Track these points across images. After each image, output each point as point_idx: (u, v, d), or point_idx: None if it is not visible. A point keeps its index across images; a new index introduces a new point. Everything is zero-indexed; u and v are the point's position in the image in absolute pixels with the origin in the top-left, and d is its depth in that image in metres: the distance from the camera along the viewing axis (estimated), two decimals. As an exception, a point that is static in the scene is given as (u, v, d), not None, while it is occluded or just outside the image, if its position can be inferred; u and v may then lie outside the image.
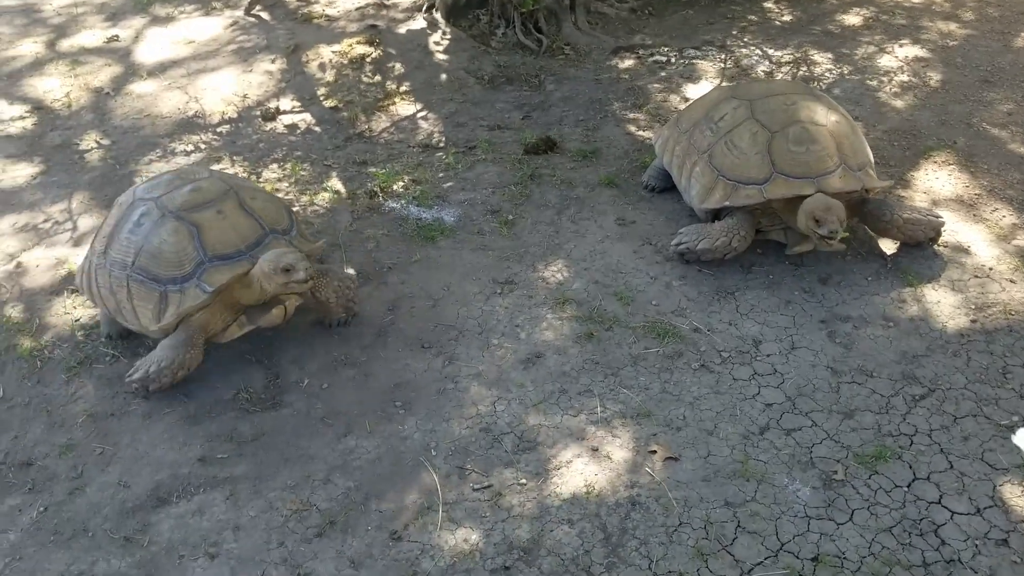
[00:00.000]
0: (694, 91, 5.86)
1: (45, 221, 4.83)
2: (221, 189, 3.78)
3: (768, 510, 3.09)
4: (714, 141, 4.32)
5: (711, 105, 4.55)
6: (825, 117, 4.26)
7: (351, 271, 4.19)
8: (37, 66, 6.55)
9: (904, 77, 5.92)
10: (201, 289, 3.52)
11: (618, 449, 3.34)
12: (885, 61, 6.15)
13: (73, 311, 4.15)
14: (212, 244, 3.59)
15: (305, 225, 4.35)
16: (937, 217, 4.25)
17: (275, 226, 3.77)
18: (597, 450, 3.33)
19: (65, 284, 4.32)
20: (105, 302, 3.75)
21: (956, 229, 4.39)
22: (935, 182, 4.78)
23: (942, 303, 3.96)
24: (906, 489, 3.15)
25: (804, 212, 3.95)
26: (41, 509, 3.23)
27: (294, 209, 4.25)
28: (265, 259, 3.54)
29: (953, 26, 6.62)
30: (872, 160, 4.35)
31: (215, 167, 5.25)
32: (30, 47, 6.83)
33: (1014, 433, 3.30)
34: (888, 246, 4.29)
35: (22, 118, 5.90)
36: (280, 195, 4.97)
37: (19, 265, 4.48)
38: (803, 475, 3.22)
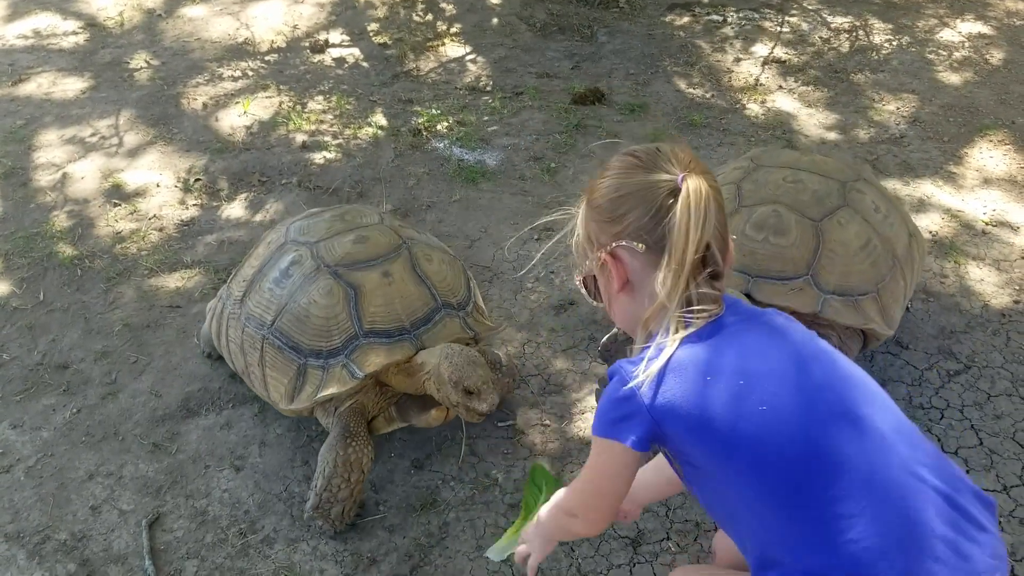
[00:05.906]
0: (749, 52, 5.75)
1: (92, 135, 4.88)
2: (391, 244, 3.06)
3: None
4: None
5: (735, 165, 3.57)
6: None
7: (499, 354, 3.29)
8: (91, -17, 6.58)
9: (965, 53, 5.76)
10: (350, 372, 2.80)
11: (644, 399, 3.32)
12: (946, 35, 5.99)
13: (115, 224, 4.20)
14: (371, 314, 2.87)
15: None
16: None
17: (449, 298, 3.03)
18: (623, 398, 3.33)
19: (108, 197, 4.37)
20: (233, 359, 3.11)
21: (1006, 209, 4.29)
22: (988, 161, 4.67)
23: (985, 281, 3.89)
24: (932, 461, 3.11)
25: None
26: (74, 410, 3.30)
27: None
28: (448, 362, 2.73)
29: (1021, 5, 6.42)
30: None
31: (260, 96, 5.25)
32: (86, -36, 6.85)
33: None
34: (933, 222, 4.22)
35: (75, 33, 5.94)
36: (324, 128, 4.98)
37: (65, 175, 4.53)
38: (829, 439, 3.18)
